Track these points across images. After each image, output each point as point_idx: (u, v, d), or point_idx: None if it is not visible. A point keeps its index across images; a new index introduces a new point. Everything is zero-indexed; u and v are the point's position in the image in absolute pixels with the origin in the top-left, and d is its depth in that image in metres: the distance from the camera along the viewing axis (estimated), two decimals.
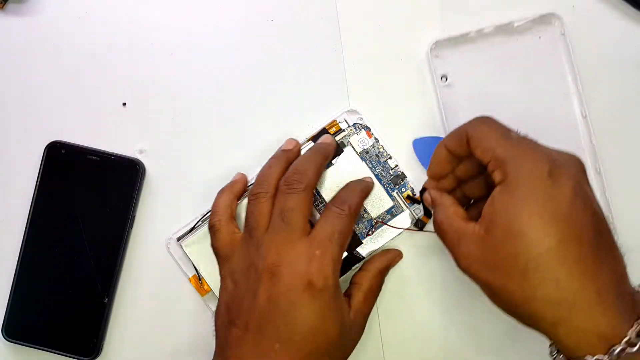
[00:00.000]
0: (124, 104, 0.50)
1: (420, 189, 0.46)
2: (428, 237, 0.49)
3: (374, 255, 0.48)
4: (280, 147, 0.48)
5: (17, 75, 0.50)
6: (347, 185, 0.47)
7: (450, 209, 0.42)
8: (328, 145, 0.48)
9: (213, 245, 0.45)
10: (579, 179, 0.38)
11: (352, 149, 0.49)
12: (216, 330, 0.43)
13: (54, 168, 0.49)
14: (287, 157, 0.46)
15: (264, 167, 0.46)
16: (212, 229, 0.45)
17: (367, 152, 0.49)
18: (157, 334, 0.49)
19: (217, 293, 0.47)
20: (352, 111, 0.49)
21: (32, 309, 0.48)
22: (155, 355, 0.49)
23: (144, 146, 0.50)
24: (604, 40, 0.50)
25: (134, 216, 0.49)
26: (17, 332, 0.48)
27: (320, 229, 0.42)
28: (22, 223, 0.49)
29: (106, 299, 0.48)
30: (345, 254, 0.48)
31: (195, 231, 0.48)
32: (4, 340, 0.48)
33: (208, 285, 0.48)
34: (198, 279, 0.48)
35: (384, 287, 0.49)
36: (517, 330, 0.40)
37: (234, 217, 0.46)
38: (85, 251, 0.48)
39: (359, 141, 0.49)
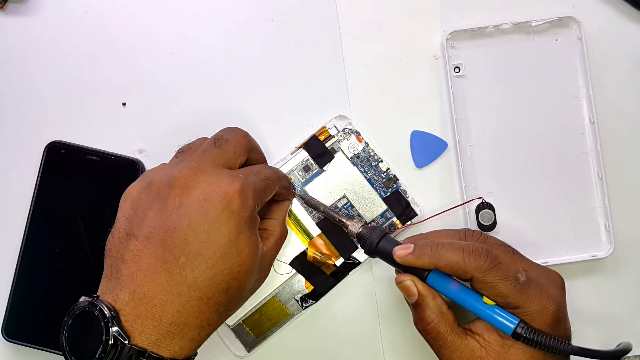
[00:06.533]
0: (124, 104, 0.50)
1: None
2: None
3: (273, 206, 0.46)
4: None
5: (17, 75, 0.50)
6: None
7: (439, 313, 0.42)
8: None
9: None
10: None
11: (342, 154, 0.49)
12: (106, 253, 0.39)
13: (54, 168, 0.49)
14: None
15: None
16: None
17: (358, 157, 0.49)
18: None
19: None
20: (341, 116, 0.49)
21: (32, 309, 0.48)
22: None
23: (143, 146, 0.50)
24: (606, 42, 0.50)
25: None
26: (17, 332, 0.48)
27: (248, 168, 0.42)
28: (22, 223, 0.49)
29: None
30: (341, 259, 0.48)
31: None
32: (4, 340, 0.48)
33: None
34: None
35: (385, 287, 0.49)
36: None
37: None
38: (85, 251, 0.48)
39: (350, 146, 0.49)
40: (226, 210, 0.38)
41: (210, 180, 0.38)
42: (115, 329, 0.35)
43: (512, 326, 0.39)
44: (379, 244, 0.43)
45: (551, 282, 0.42)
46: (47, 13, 0.50)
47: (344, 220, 0.46)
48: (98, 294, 0.38)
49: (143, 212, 0.38)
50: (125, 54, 0.50)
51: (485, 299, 0.40)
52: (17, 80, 0.50)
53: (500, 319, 0.40)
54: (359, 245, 0.48)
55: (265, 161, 0.46)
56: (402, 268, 0.43)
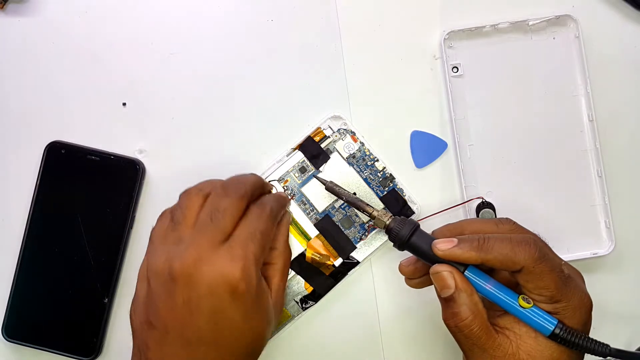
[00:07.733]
0: (124, 104, 0.50)
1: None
2: None
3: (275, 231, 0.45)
4: None
5: (17, 75, 0.50)
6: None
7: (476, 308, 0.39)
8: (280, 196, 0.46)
9: (153, 229, 0.43)
10: None
11: (338, 154, 0.49)
12: (133, 329, 0.41)
13: (54, 168, 0.49)
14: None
15: None
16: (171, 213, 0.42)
17: (353, 157, 0.49)
18: None
19: None
20: (336, 117, 0.49)
21: (32, 309, 0.48)
22: None
23: (144, 146, 0.50)
24: (604, 41, 0.50)
25: (134, 216, 0.49)
26: (17, 332, 0.48)
27: (242, 229, 0.40)
28: (22, 223, 0.49)
29: (106, 299, 0.48)
30: (340, 260, 0.48)
31: None
32: (4, 340, 0.48)
33: None
34: None
35: (385, 286, 0.49)
36: None
37: None
38: (85, 251, 0.48)
39: (345, 146, 0.49)
40: (233, 299, 0.38)
41: (212, 269, 0.38)
42: None
43: (551, 327, 0.38)
44: (410, 238, 0.42)
45: (579, 278, 0.41)
46: (47, 13, 0.50)
47: (370, 210, 0.44)
48: None
49: (155, 302, 0.39)
50: (125, 54, 0.50)
51: (522, 302, 0.39)
52: (17, 80, 0.50)
53: (537, 319, 0.38)
54: (357, 245, 0.48)
55: (265, 190, 0.45)
56: (436, 262, 0.40)
